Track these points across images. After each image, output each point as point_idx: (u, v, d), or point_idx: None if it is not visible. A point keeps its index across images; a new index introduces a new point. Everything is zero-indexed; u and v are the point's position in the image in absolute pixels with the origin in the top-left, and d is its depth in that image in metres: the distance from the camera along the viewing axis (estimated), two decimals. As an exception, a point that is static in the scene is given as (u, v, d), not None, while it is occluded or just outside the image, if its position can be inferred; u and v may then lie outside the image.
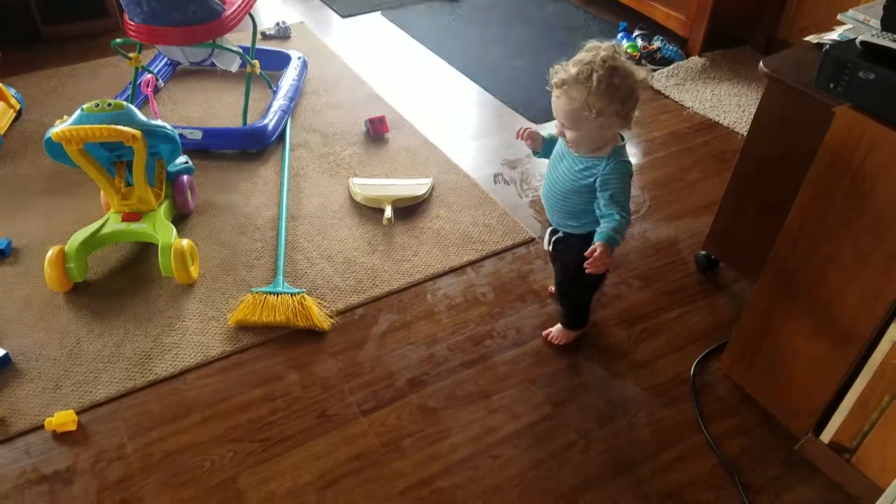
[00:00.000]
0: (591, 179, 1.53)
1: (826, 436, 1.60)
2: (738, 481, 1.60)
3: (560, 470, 1.63)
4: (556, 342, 1.92)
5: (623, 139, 1.56)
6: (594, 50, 1.43)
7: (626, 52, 3.16)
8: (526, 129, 1.70)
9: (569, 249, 1.70)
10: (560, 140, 1.60)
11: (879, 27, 1.35)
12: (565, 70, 1.45)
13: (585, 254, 1.48)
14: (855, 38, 1.32)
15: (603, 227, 1.51)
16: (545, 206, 1.72)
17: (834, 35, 1.64)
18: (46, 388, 1.76)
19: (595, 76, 1.40)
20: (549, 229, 1.77)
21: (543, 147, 1.72)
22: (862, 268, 1.40)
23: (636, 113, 1.48)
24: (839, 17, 1.59)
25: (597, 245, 1.47)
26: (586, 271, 1.49)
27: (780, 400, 1.72)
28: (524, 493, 1.58)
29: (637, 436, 1.71)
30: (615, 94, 1.41)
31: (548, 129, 2.87)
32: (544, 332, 1.94)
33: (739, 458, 1.66)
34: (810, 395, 1.62)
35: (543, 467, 1.63)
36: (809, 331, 1.56)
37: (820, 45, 1.64)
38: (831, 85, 1.34)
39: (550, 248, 1.77)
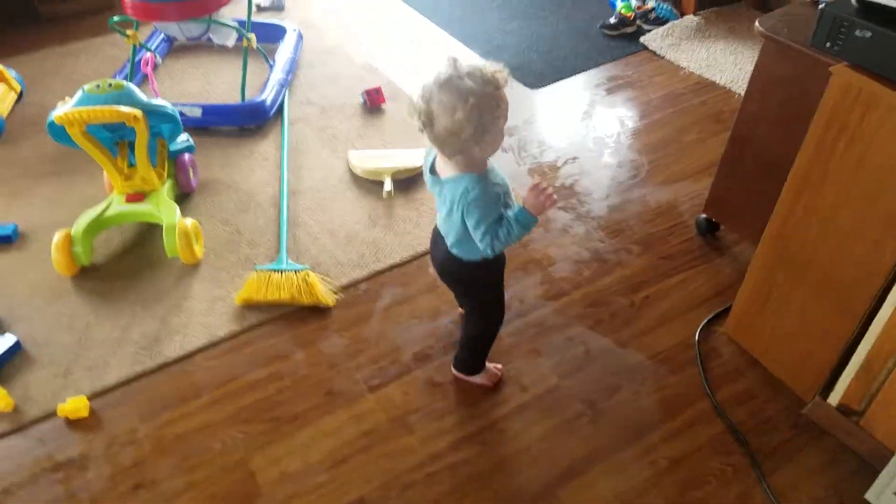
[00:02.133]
0: (460, 204, 1.40)
1: (834, 398, 1.61)
2: (747, 447, 1.61)
3: (568, 441, 1.64)
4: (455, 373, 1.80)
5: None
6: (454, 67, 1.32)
7: (619, 13, 3.07)
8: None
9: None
10: None
11: (879, -16, 1.31)
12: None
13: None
14: (853, -4, 1.29)
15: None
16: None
17: (833, -9, 1.60)
18: (58, 375, 1.79)
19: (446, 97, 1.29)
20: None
21: None
22: (861, 228, 1.39)
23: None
24: (838, -28, 1.55)
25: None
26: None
27: (785, 363, 1.72)
28: (533, 465, 1.60)
29: (644, 404, 1.72)
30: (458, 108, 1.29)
31: (541, 94, 2.82)
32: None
33: (747, 422, 1.67)
34: (816, 358, 1.62)
35: (551, 439, 1.65)
36: (812, 293, 1.56)
37: (815, 3, 1.61)
38: (828, 44, 1.32)
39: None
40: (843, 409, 1.60)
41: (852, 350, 1.52)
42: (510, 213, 1.36)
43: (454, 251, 1.49)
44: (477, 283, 1.59)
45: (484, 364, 1.74)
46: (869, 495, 1.48)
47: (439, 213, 1.50)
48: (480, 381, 1.75)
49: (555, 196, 1.35)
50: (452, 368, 1.77)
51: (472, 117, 1.27)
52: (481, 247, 1.38)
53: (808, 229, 1.50)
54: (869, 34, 1.25)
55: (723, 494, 1.54)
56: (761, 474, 1.57)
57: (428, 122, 1.30)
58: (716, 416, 1.69)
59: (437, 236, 1.56)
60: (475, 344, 1.71)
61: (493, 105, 1.29)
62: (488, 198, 1.34)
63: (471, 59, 3.04)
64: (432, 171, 1.46)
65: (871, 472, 1.51)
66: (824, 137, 1.39)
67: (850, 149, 1.35)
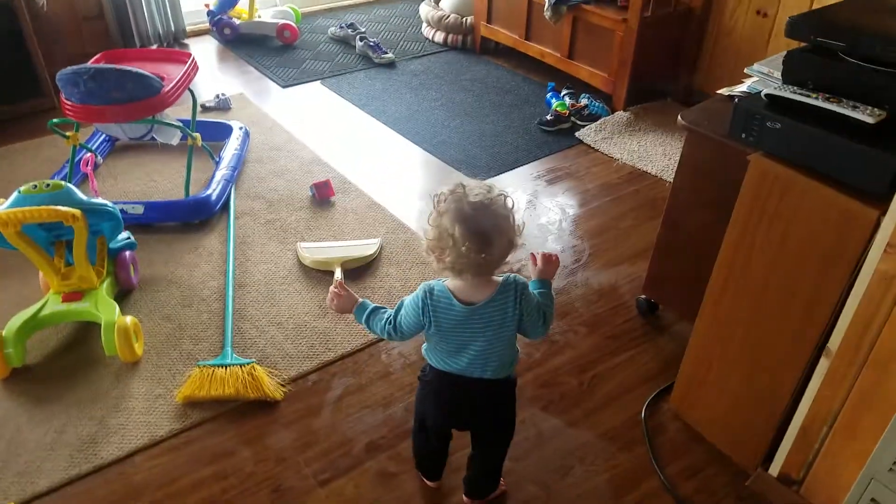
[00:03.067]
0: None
1: (774, 469, 1.65)
2: (696, 521, 1.63)
3: (522, 525, 1.62)
4: None
5: (443, 289, 1.39)
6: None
7: (555, 111, 3.26)
8: None
9: None
10: None
11: (781, 80, 1.46)
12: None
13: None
14: (761, 91, 1.43)
15: (375, 305, 1.49)
16: None
17: (743, 87, 1.76)
18: (-16, 483, 1.68)
19: (438, 195, 1.34)
20: None
21: None
22: (788, 303, 1.48)
23: (446, 256, 1.32)
24: (746, 70, 1.71)
25: (346, 289, 1.50)
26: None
27: (728, 436, 1.76)
28: (487, 552, 1.57)
29: (595, 483, 1.72)
30: (434, 216, 1.34)
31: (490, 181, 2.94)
32: None
33: (695, 497, 1.69)
34: (756, 430, 1.67)
35: (505, 524, 1.63)
36: (748, 367, 1.63)
37: (731, 98, 1.75)
38: (743, 135, 1.44)
39: None
40: (783, 478, 1.64)
41: (789, 420, 1.58)
42: (539, 290, 1.44)
43: (502, 375, 1.43)
44: (513, 399, 1.54)
45: None
46: (816, 565, 1.50)
47: (470, 348, 1.39)
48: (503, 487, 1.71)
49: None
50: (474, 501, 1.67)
51: (513, 233, 1.32)
52: (543, 333, 1.44)
53: (739, 307, 1.59)
54: (779, 125, 1.38)
55: (679, 573, 1.53)
56: (714, 550, 1.57)
57: (484, 249, 1.27)
58: (664, 491, 1.70)
59: (460, 382, 1.44)
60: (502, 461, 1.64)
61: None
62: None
63: (418, 154, 3.16)
64: (455, 303, 1.37)
65: (817, 541, 1.54)
66: (748, 220, 1.50)
67: (771, 229, 1.46)
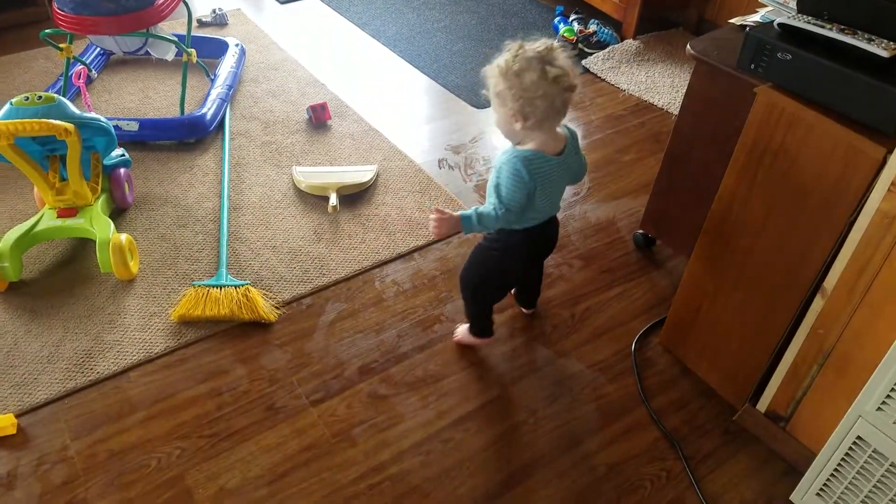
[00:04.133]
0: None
1: (762, 405, 1.68)
2: (680, 452, 1.66)
3: (509, 450, 1.66)
4: (455, 340, 1.90)
5: (536, 150, 1.45)
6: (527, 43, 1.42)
7: (561, 39, 3.19)
8: None
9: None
10: None
11: (796, 9, 1.40)
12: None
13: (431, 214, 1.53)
14: (774, 21, 1.37)
15: (472, 208, 1.52)
16: None
17: (756, 17, 1.70)
18: (-18, 393, 1.71)
19: (504, 55, 1.42)
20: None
21: None
22: (786, 241, 1.46)
23: (544, 121, 1.41)
24: (761, -1, 1.65)
25: (443, 212, 1.52)
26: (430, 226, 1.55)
27: (717, 372, 1.79)
28: (475, 475, 1.61)
29: (583, 412, 1.75)
30: (508, 82, 1.39)
31: (487, 113, 2.89)
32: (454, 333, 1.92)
33: (681, 429, 1.72)
34: (745, 366, 1.69)
35: (493, 448, 1.66)
36: (741, 303, 1.63)
37: (743, 27, 1.69)
38: (752, 66, 1.39)
39: None
40: (770, 415, 1.67)
41: (779, 358, 1.59)
42: None
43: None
44: None
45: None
46: (794, 497, 1.55)
47: (560, 194, 1.60)
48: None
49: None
50: (465, 329, 1.88)
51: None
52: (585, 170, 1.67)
53: (736, 243, 1.58)
54: (789, 56, 1.33)
55: (657, 499, 1.58)
56: (694, 479, 1.62)
57: (569, 87, 1.41)
58: (651, 422, 1.74)
59: (546, 227, 1.64)
60: None
61: None
62: None
63: (418, 78, 3.09)
64: (550, 158, 1.48)
65: (796, 475, 1.57)
66: (751, 154, 1.47)
67: (774, 164, 1.43)
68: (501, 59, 1.41)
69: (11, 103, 1.91)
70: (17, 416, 1.65)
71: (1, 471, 1.56)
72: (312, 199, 2.35)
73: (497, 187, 1.47)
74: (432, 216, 1.53)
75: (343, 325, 1.94)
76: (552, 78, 1.36)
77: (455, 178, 2.50)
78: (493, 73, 1.43)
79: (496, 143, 2.69)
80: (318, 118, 2.71)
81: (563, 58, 1.40)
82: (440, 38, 3.39)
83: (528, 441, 1.68)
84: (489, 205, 1.50)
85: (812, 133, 1.34)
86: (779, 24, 1.36)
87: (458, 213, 1.52)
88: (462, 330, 1.90)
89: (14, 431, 1.63)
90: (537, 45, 1.39)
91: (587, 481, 1.60)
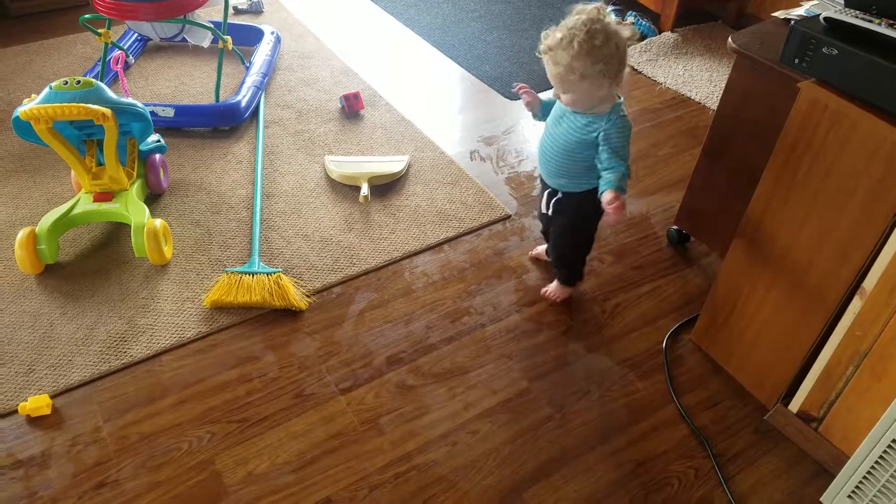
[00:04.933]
0: (594, 135, 1.60)
1: (794, 405, 1.65)
2: (709, 451, 1.64)
3: (536, 444, 1.65)
4: (555, 299, 1.99)
5: (620, 97, 1.62)
6: (578, 14, 1.50)
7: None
8: (522, 86, 1.75)
9: (567, 209, 1.79)
10: (558, 101, 1.65)
11: (843, 3, 1.36)
12: (552, 36, 1.52)
13: (604, 202, 1.54)
14: (819, 14, 1.33)
15: (609, 177, 1.57)
16: (542, 168, 1.77)
17: (801, 11, 1.65)
18: (19, 373, 1.75)
19: (576, 41, 1.46)
20: (547, 192, 1.80)
21: (542, 109, 1.77)
22: (825, 240, 1.43)
23: (627, 70, 1.56)
24: (807, -9, 1.61)
25: (613, 193, 1.54)
26: (610, 219, 1.58)
27: (749, 371, 1.76)
28: (501, 468, 1.60)
29: (611, 408, 1.74)
30: (598, 55, 1.48)
31: (520, 105, 2.87)
32: (542, 291, 2.02)
33: (711, 428, 1.70)
34: (778, 366, 1.65)
35: (520, 441, 1.66)
36: (777, 303, 1.60)
37: (787, 21, 1.65)
38: (796, 60, 1.36)
39: (550, 210, 1.81)
40: (802, 415, 1.64)
41: (813, 359, 1.56)
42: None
43: None
44: None
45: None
46: (824, 498, 1.52)
47: None
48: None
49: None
50: (560, 285, 1.98)
51: None
52: None
53: (775, 240, 1.54)
54: (835, 52, 1.29)
55: (685, 497, 1.56)
56: (723, 478, 1.59)
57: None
58: (681, 420, 1.71)
59: None
60: None
61: None
62: None
63: (451, 68, 3.07)
64: None
65: (827, 476, 1.55)
66: (792, 151, 1.43)
67: (816, 162, 1.39)
68: (583, 40, 1.46)
69: (51, 87, 1.94)
70: (51, 397, 1.69)
71: (35, 450, 1.60)
72: (344, 189, 2.36)
73: (617, 151, 1.58)
74: (614, 205, 1.53)
75: (372, 315, 1.95)
76: (628, 34, 1.52)
77: (486, 169, 2.49)
78: (580, 54, 1.47)
79: (528, 136, 2.67)
80: (351, 107, 2.71)
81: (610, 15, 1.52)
82: (475, 27, 3.37)
83: (555, 435, 1.67)
84: (620, 168, 1.57)
85: (856, 131, 1.30)
86: (825, 19, 1.32)
87: (609, 189, 1.55)
88: (556, 288, 1.99)
89: (49, 412, 1.66)
90: (592, 13, 1.49)
91: (614, 477, 1.59)
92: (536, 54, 1.59)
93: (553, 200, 1.79)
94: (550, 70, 1.55)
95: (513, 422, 1.70)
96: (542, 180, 1.82)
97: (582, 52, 1.46)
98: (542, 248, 2.10)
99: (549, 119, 1.73)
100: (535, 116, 1.80)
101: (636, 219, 2.30)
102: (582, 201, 1.73)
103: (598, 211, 1.69)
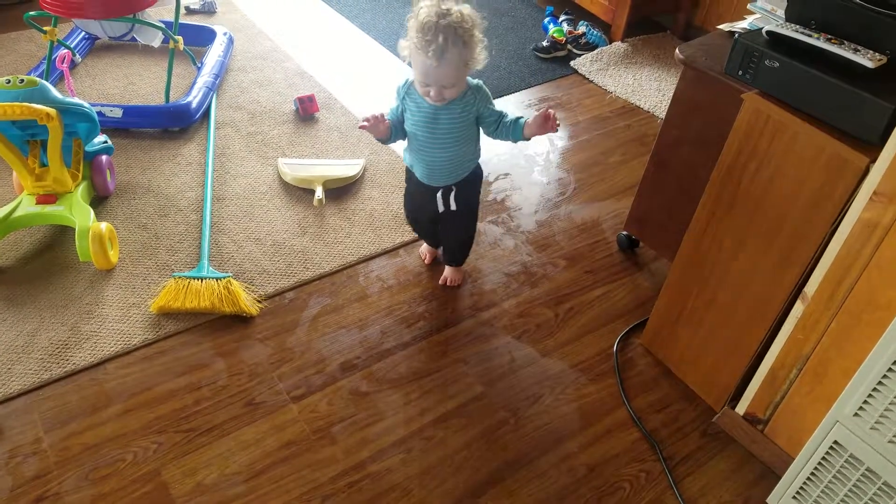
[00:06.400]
0: (473, 109, 1.72)
1: (741, 408, 1.69)
2: (660, 454, 1.67)
3: (491, 449, 1.66)
4: (456, 283, 2.06)
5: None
6: (434, 10, 1.55)
7: (551, 39, 3.23)
8: (368, 119, 1.71)
9: (467, 194, 1.89)
10: (421, 104, 1.70)
11: (784, 18, 1.41)
12: (426, 38, 1.54)
13: (538, 122, 1.68)
14: (762, 28, 1.38)
15: (509, 115, 1.74)
16: (429, 177, 1.83)
17: (745, 24, 1.70)
18: (-45, 382, 1.68)
19: (463, 35, 1.56)
20: (440, 192, 1.85)
21: (392, 129, 1.77)
22: (769, 246, 1.47)
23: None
24: (749, 6, 1.65)
25: (542, 112, 1.67)
26: (552, 122, 1.68)
27: (697, 374, 1.80)
28: (456, 473, 1.60)
29: (564, 412, 1.76)
30: (474, 41, 1.61)
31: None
32: (440, 280, 2.07)
33: (661, 430, 1.73)
34: (726, 369, 1.70)
35: (475, 447, 1.66)
36: (723, 308, 1.64)
37: (731, 34, 1.70)
38: (740, 72, 1.40)
39: (452, 205, 1.86)
40: (749, 417, 1.68)
41: (759, 362, 1.60)
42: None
43: None
44: None
45: None
46: (770, 499, 1.56)
47: None
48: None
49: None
50: (455, 269, 2.06)
51: None
52: None
53: (720, 247, 1.58)
54: (777, 64, 1.34)
55: (636, 500, 1.59)
56: (673, 481, 1.63)
57: None
58: (632, 424, 1.74)
59: None
60: None
61: None
62: None
63: (406, 72, 3.06)
64: None
65: (773, 478, 1.59)
66: (736, 159, 1.47)
67: (759, 170, 1.44)
68: (462, 18, 1.56)
69: (-8, 86, 1.88)
70: (-10, 407, 1.63)
71: (-28, 462, 1.54)
72: (298, 192, 2.33)
73: (494, 104, 1.75)
74: (545, 113, 1.66)
75: (326, 321, 1.93)
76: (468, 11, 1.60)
77: (441, 174, 2.49)
78: (466, 32, 1.57)
79: (484, 141, 2.68)
80: (306, 110, 2.69)
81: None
82: (430, 33, 3.37)
83: (509, 440, 1.68)
84: (504, 111, 1.74)
85: (797, 140, 1.35)
86: (767, 32, 1.37)
87: (523, 118, 1.73)
88: (454, 272, 2.06)
89: (-13, 422, 1.60)
90: (437, 9, 1.55)
91: (567, 482, 1.61)
92: (404, 59, 1.66)
93: (451, 196, 1.85)
94: (446, 70, 1.58)
95: (468, 427, 1.70)
96: (419, 190, 1.90)
97: (470, 43, 1.58)
98: (426, 249, 2.14)
99: (416, 130, 1.75)
100: (385, 141, 1.81)
101: (587, 224, 2.33)
102: (475, 181, 1.89)
103: (480, 185, 1.90)
